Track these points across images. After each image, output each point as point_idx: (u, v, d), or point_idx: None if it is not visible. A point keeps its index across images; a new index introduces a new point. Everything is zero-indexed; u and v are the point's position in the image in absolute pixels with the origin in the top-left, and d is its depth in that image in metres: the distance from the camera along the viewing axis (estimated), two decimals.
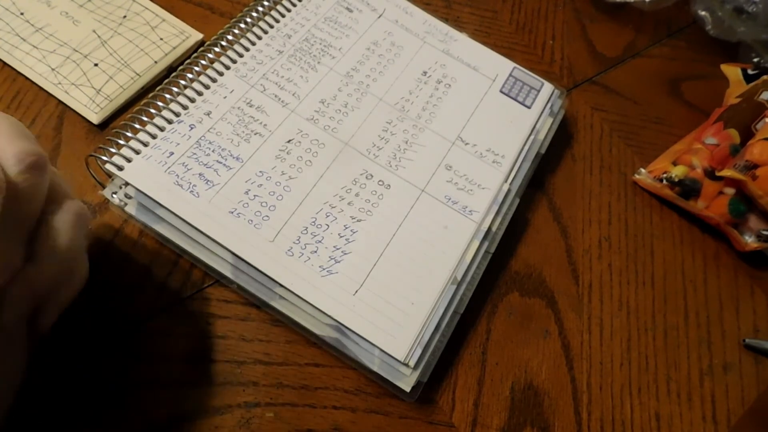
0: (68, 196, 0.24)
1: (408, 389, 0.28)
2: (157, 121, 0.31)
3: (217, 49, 0.34)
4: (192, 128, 0.31)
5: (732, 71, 0.44)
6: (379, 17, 0.39)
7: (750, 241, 0.37)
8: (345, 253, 0.30)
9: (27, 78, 0.34)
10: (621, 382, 0.33)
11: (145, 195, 0.29)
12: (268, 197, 0.30)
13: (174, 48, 0.36)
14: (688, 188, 0.37)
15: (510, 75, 0.39)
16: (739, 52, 0.46)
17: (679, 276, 0.37)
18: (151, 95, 0.31)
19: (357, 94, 0.35)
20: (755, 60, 0.45)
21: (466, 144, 0.35)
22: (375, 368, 0.28)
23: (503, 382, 0.31)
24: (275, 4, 0.37)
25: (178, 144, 0.30)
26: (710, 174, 0.37)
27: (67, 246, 0.22)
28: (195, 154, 0.30)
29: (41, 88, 0.34)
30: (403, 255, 0.30)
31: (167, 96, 0.31)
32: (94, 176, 0.30)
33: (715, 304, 0.36)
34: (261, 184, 0.31)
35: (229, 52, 0.34)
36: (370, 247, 0.30)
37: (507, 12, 0.46)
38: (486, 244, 0.32)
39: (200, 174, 0.30)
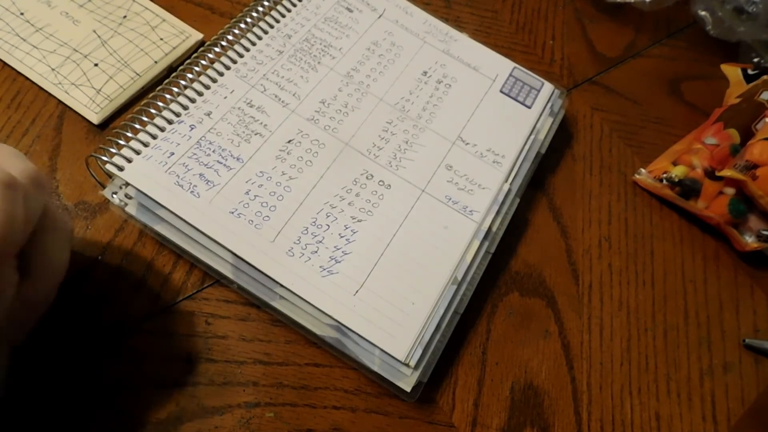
0: (55, 212, 0.23)
1: (408, 389, 0.28)
2: (158, 121, 0.31)
3: (217, 49, 0.34)
4: (192, 128, 0.31)
5: (732, 71, 0.44)
6: (380, 17, 0.39)
7: (750, 241, 0.37)
8: (345, 253, 0.30)
9: (27, 78, 0.34)
10: (621, 382, 0.33)
11: (146, 195, 0.29)
12: (268, 197, 0.30)
13: (174, 48, 0.36)
14: (688, 188, 0.37)
15: (510, 75, 0.39)
16: (739, 52, 0.46)
17: (679, 276, 0.37)
18: (151, 95, 0.31)
19: (357, 94, 0.35)
20: (755, 60, 0.45)
21: (467, 144, 0.35)
22: (375, 368, 0.28)
23: (503, 382, 0.31)
24: (275, 4, 0.37)
25: (179, 144, 0.30)
26: (710, 174, 0.37)
27: (62, 264, 0.22)
28: (195, 154, 0.30)
29: (41, 88, 0.34)
30: (404, 255, 0.30)
31: (167, 96, 0.31)
32: (94, 176, 0.30)
33: (715, 304, 0.36)
34: (261, 185, 0.31)
35: (230, 53, 0.34)
36: (370, 247, 0.30)
37: (507, 12, 0.46)
38: (486, 244, 0.32)
39: (201, 174, 0.30)
